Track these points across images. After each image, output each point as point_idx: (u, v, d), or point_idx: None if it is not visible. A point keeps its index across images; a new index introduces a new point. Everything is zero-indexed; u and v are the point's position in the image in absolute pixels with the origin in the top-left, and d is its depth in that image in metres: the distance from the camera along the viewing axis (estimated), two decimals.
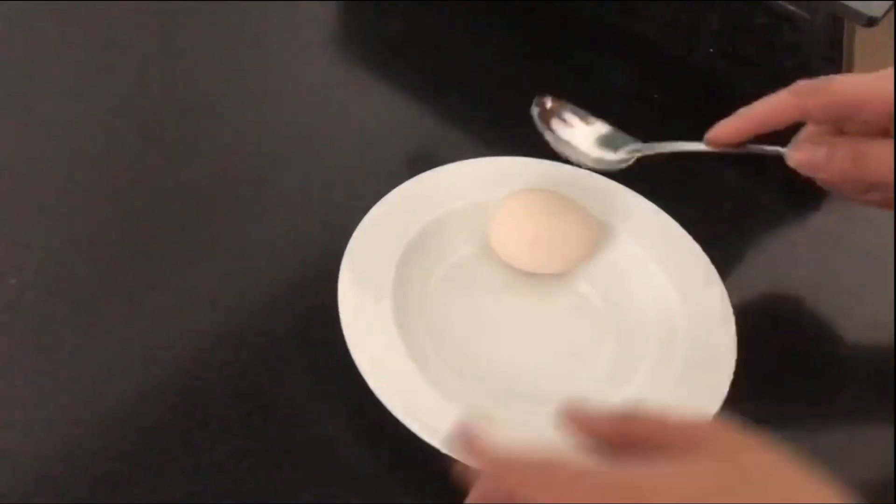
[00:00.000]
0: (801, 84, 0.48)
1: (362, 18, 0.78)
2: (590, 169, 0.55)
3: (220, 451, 0.47)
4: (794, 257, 0.62)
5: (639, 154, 0.53)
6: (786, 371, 0.54)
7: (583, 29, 0.80)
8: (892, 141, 0.47)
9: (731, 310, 0.52)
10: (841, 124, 0.49)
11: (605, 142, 0.55)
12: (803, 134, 0.51)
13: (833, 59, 0.65)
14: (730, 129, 0.50)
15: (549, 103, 0.56)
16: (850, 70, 0.65)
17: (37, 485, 0.44)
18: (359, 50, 0.76)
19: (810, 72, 0.66)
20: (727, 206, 0.65)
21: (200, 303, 0.54)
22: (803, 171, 0.49)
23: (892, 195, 0.50)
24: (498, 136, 0.68)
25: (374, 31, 0.78)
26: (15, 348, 0.50)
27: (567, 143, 0.55)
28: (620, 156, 0.54)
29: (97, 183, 0.61)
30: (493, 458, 0.35)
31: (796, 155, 0.49)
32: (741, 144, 0.50)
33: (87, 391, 0.49)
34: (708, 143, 0.50)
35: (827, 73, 0.65)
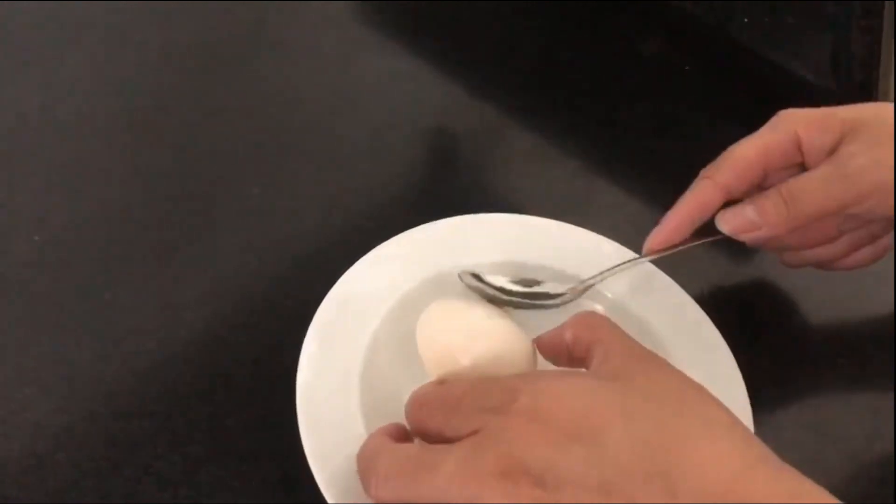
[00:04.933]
0: (711, 169, 0.48)
1: None
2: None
3: (243, 412, 0.46)
4: None
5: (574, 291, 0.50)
6: (784, 369, 0.53)
7: None
8: (814, 171, 0.47)
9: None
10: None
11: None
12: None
13: (870, 29, 0.64)
14: (665, 234, 0.49)
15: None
16: (888, 41, 0.63)
17: (57, 442, 0.44)
18: (382, 19, 0.75)
19: (848, 43, 0.66)
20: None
21: (225, 263, 0.53)
22: (741, 235, 0.48)
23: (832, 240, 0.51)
24: (522, 108, 0.67)
25: (396, 2, 0.77)
26: (36, 305, 0.50)
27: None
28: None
29: (122, 143, 0.61)
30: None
31: (727, 224, 0.48)
32: (681, 243, 0.49)
33: (108, 349, 0.48)
34: (648, 252, 0.50)
35: (864, 44, 0.65)
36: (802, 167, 0.48)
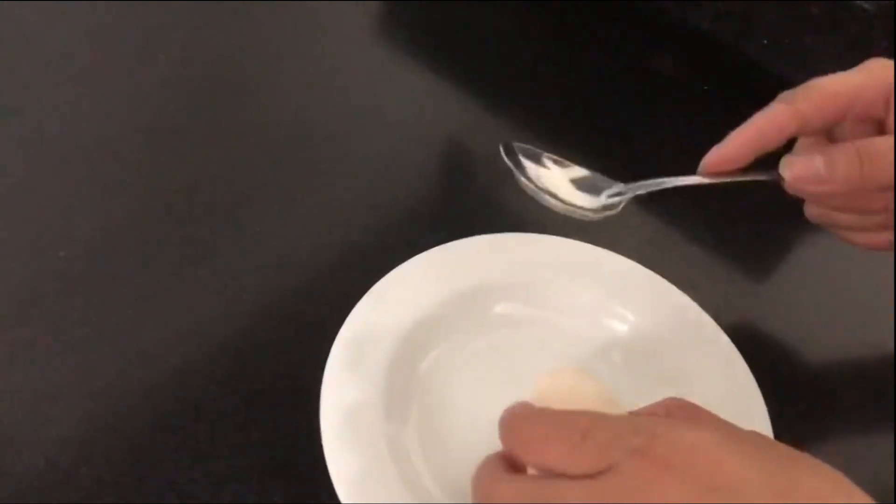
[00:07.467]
0: (790, 94, 0.44)
1: (407, 4, 0.78)
2: (577, 215, 0.48)
3: (266, 428, 0.46)
4: (794, 261, 0.61)
5: (625, 198, 0.48)
6: (785, 375, 0.53)
7: (632, 17, 0.79)
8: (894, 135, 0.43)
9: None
10: (833, 129, 0.46)
11: (586, 186, 0.50)
12: (796, 149, 0.47)
13: (891, 51, 0.64)
14: (725, 153, 0.45)
15: (518, 148, 0.50)
16: None
17: (82, 456, 0.45)
18: (402, 36, 0.76)
19: None
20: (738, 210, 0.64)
21: (247, 279, 0.54)
22: (803, 187, 0.44)
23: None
24: (541, 126, 0.67)
25: (417, 17, 0.78)
26: (62, 320, 0.50)
27: (543, 188, 0.49)
28: (604, 201, 0.49)
29: (146, 159, 0.61)
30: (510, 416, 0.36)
31: (792, 170, 0.44)
32: (737, 171, 0.45)
33: (133, 364, 0.49)
34: (703, 173, 0.46)
35: None
36: (878, 126, 0.45)
